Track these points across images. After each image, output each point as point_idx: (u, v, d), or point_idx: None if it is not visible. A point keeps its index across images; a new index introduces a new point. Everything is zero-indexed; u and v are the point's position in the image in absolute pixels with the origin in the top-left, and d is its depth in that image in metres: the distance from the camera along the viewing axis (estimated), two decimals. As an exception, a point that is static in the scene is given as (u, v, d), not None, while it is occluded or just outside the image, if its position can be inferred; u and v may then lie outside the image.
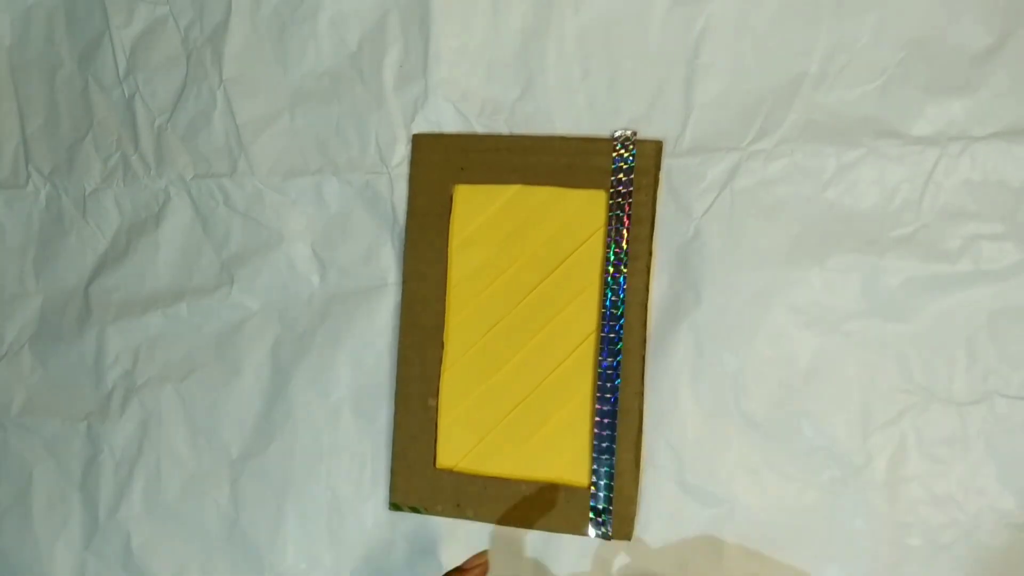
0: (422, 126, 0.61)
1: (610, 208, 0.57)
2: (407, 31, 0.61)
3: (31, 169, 0.69)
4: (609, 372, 0.57)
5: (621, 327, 0.57)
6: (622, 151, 0.57)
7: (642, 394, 0.57)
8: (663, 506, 0.57)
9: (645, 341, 0.57)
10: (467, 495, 0.59)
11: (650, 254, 0.57)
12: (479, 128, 0.60)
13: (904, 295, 0.54)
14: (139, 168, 0.66)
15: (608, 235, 0.57)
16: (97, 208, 0.67)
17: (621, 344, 0.57)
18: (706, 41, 0.56)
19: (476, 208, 0.60)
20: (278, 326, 0.64)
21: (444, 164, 0.60)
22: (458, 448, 0.60)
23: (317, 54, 0.62)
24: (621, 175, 0.57)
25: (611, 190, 0.57)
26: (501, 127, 0.60)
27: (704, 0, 0.56)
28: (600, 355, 0.57)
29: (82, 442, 0.68)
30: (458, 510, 0.59)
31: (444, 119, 0.61)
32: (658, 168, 0.57)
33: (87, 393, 0.68)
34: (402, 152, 0.61)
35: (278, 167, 0.64)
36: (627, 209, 0.57)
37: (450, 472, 0.60)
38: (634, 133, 0.57)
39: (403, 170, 0.61)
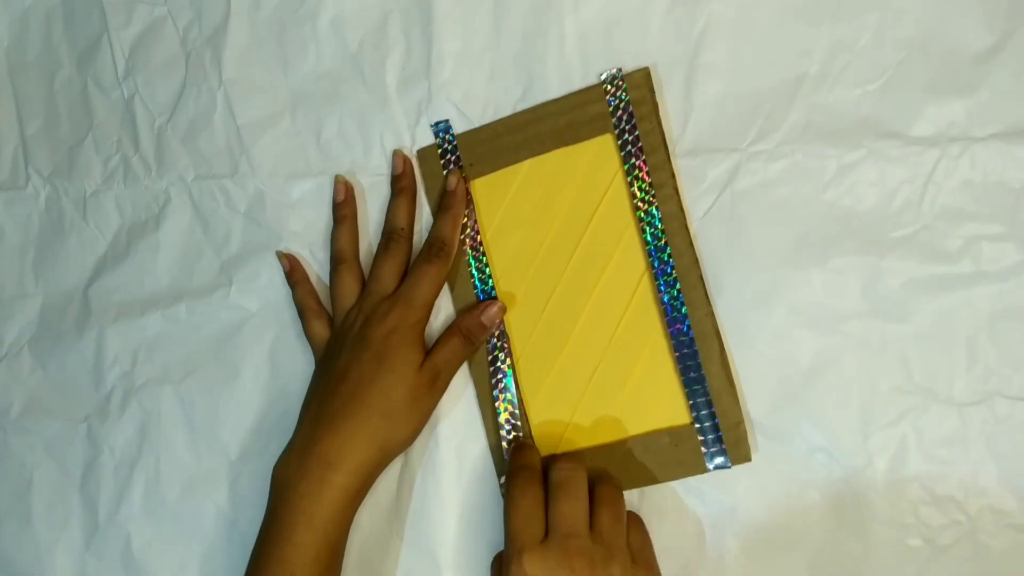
0: (426, 128, 0.61)
1: (621, 147, 0.57)
2: (409, 33, 0.61)
3: (31, 171, 0.69)
4: (673, 303, 0.56)
5: (670, 255, 0.56)
6: (613, 91, 0.57)
7: (713, 314, 0.56)
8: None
9: (698, 262, 0.56)
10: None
11: (673, 176, 0.56)
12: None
13: (904, 296, 0.54)
14: (139, 169, 0.66)
15: (627, 174, 0.57)
16: (97, 210, 0.67)
17: (675, 272, 0.56)
18: (706, 42, 0.56)
19: (496, 196, 0.60)
20: (277, 328, 0.64)
21: (454, 165, 0.60)
22: (553, 432, 0.59)
23: (318, 55, 0.62)
24: (620, 112, 0.57)
25: (616, 130, 0.57)
26: (502, 128, 0.60)
27: (704, 1, 0.56)
28: (659, 291, 0.57)
29: (82, 443, 0.68)
30: None
31: (447, 121, 0.61)
32: (652, 92, 0.57)
33: (87, 394, 0.68)
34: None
35: (280, 169, 0.64)
36: (637, 143, 0.57)
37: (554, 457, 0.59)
38: (619, 70, 0.57)
39: (404, 171, 0.61)
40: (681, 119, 0.57)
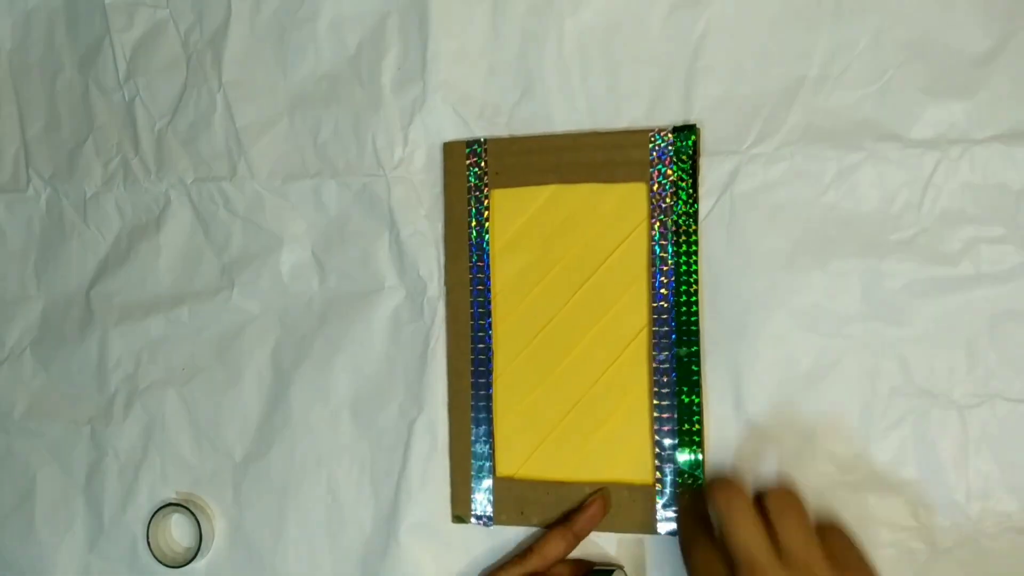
0: (420, 129, 0.61)
1: (651, 200, 0.57)
2: (406, 33, 0.61)
3: (32, 173, 0.69)
4: (664, 366, 0.56)
5: (674, 319, 0.56)
6: (659, 142, 0.56)
7: (701, 387, 0.56)
8: (663, 510, 0.57)
9: (699, 332, 0.56)
10: (530, 502, 0.58)
11: (697, 243, 0.56)
12: (478, 131, 0.60)
13: (905, 298, 0.53)
14: (139, 172, 0.66)
15: (651, 227, 0.57)
16: (98, 212, 0.67)
17: (675, 337, 0.56)
18: (706, 44, 0.56)
19: (514, 211, 0.59)
20: (279, 330, 0.64)
21: (478, 168, 0.60)
22: (517, 455, 0.59)
23: (316, 57, 0.62)
24: (660, 166, 0.56)
25: (651, 182, 0.57)
26: (501, 130, 0.60)
27: (704, 3, 0.55)
28: (653, 350, 0.57)
29: (86, 446, 0.68)
30: (523, 518, 0.59)
31: (443, 122, 0.60)
32: (697, 154, 0.56)
33: (90, 397, 0.68)
34: (400, 154, 0.61)
35: (278, 170, 0.64)
36: (670, 200, 0.56)
37: (511, 480, 0.59)
38: (672, 125, 0.56)
39: (400, 173, 0.61)
40: (680, 122, 0.57)
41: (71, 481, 0.68)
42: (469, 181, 0.60)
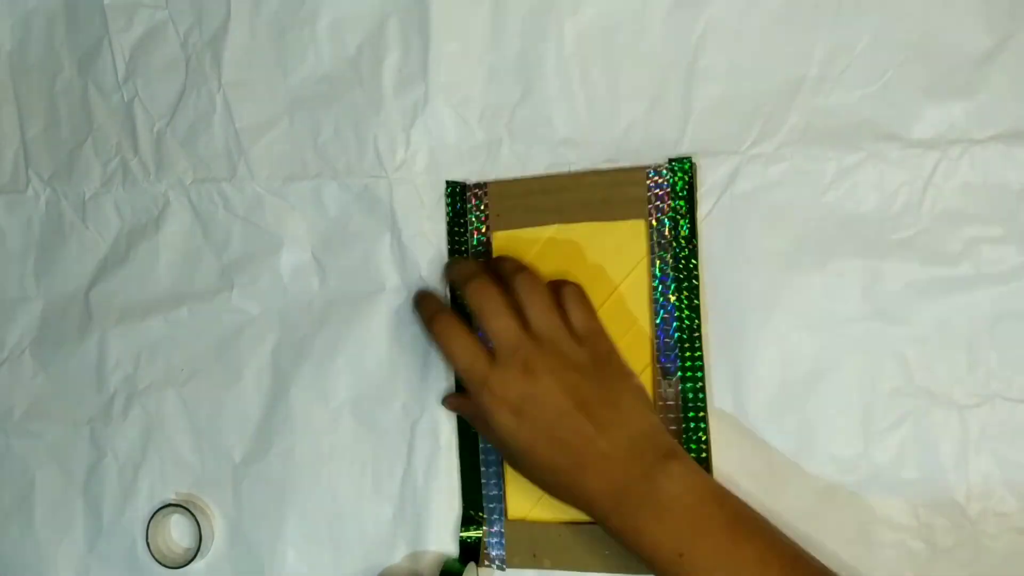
0: (422, 131, 0.61)
1: (651, 236, 0.57)
2: (406, 35, 0.61)
3: (31, 174, 0.69)
4: (670, 403, 0.56)
5: (677, 356, 0.56)
6: (656, 178, 0.57)
7: (707, 425, 0.56)
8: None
9: (703, 368, 0.56)
10: (541, 544, 0.58)
11: (697, 275, 0.56)
12: (479, 133, 0.60)
13: (905, 298, 0.53)
14: (139, 173, 0.66)
15: (652, 264, 0.57)
16: (97, 213, 0.67)
17: (679, 373, 0.56)
18: (705, 45, 0.56)
19: (516, 253, 0.59)
20: (279, 330, 0.64)
21: (479, 211, 0.60)
22: (527, 497, 0.59)
23: (316, 58, 0.62)
24: (658, 202, 0.57)
25: (650, 218, 0.57)
26: (501, 131, 0.60)
27: (703, 4, 0.55)
28: (658, 387, 0.57)
29: (85, 447, 0.68)
30: (535, 560, 0.59)
31: (445, 123, 0.60)
32: (694, 188, 0.56)
33: (89, 398, 0.68)
34: (401, 156, 0.61)
35: (278, 171, 0.64)
36: (669, 235, 0.56)
37: (522, 522, 0.59)
38: (669, 161, 0.57)
39: (402, 174, 0.61)
40: (680, 122, 0.57)
41: (70, 482, 0.68)
42: (471, 224, 0.60)
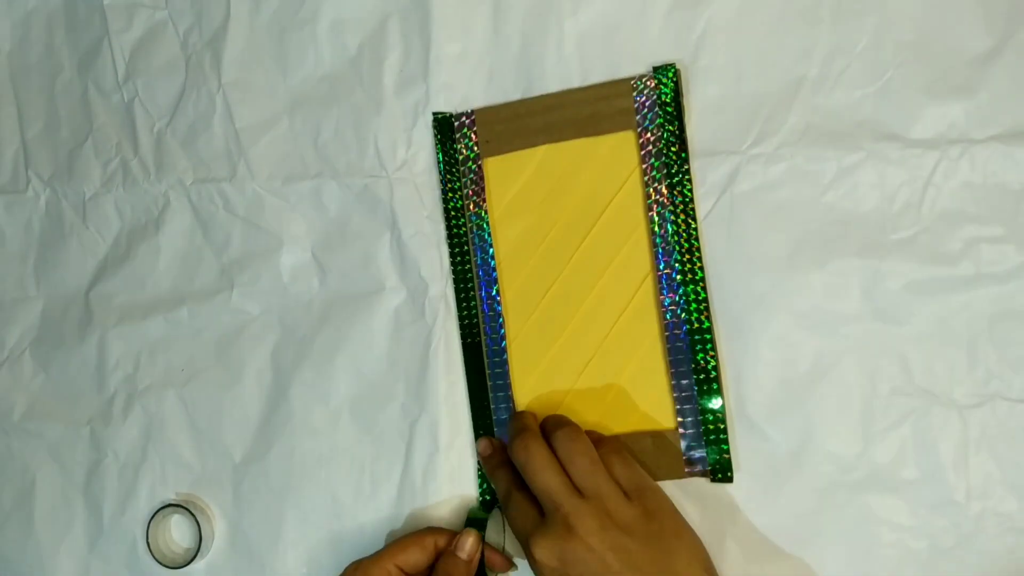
0: (423, 131, 0.61)
1: (641, 146, 0.57)
2: (407, 35, 0.61)
3: (31, 174, 0.69)
4: (674, 308, 0.56)
5: (676, 261, 0.56)
6: (642, 87, 0.56)
7: (712, 324, 0.56)
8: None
9: (703, 270, 0.56)
10: None
11: (690, 181, 0.56)
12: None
13: (905, 298, 0.53)
14: (139, 173, 0.66)
15: (644, 173, 0.57)
16: (97, 213, 0.67)
17: (679, 278, 0.56)
18: (705, 45, 0.56)
19: (509, 178, 0.59)
20: (278, 330, 0.64)
21: (467, 140, 0.60)
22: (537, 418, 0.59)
23: (317, 58, 0.62)
24: (646, 111, 0.56)
25: (639, 128, 0.57)
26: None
27: (703, 4, 0.56)
28: (661, 294, 0.56)
29: (85, 447, 0.68)
30: None
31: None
32: (680, 95, 0.56)
33: (89, 398, 0.68)
34: (402, 156, 0.61)
35: (277, 171, 0.64)
36: (658, 143, 0.56)
37: None
38: (651, 68, 0.56)
39: (403, 174, 0.61)
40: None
41: (71, 482, 0.68)
42: (461, 153, 0.60)
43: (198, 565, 0.65)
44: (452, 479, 0.61)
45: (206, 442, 0.66)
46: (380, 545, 0.61)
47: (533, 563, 0.51)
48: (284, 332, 0.64)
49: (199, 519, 0.63)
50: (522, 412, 0.59)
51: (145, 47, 0.66)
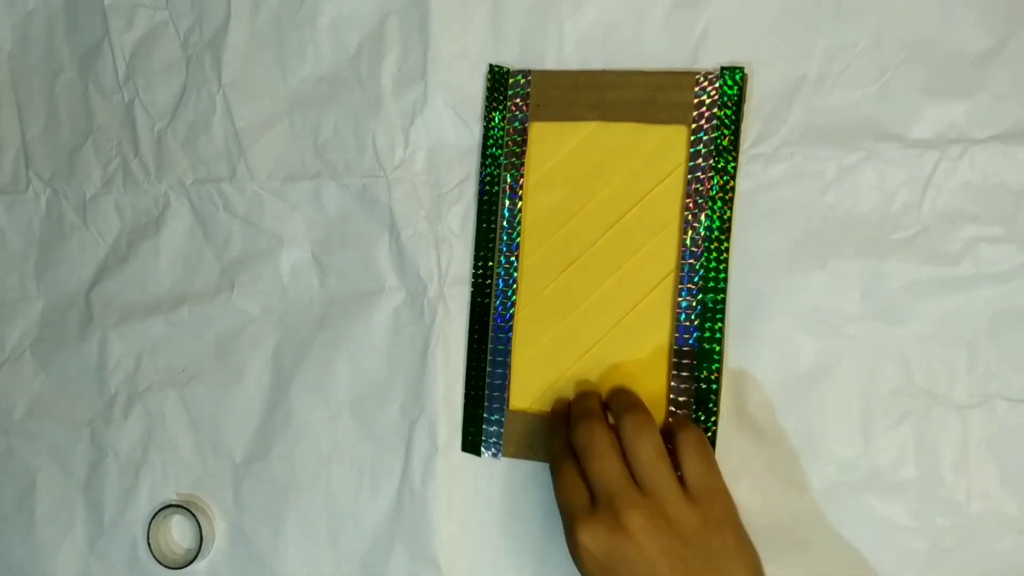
0: (421, 130, 0.61)
1: (692, 144, 0.56)
2: (406, 35, 0.61)
3: (31, 175, 0.69)
4: (689, 313, 0.56)
5: (701, 267, 0.55)
6: (705, 84, 0.56)
7: (723, 337, 0.55)
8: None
9: (726, 281, 0.55)
10: (540, 436, 0.58)
11: (733, 189, 0.55)
12: (479, 133, 0.60)
13: (905, 298, 0.53)
14: (139, 173, 0.66)
15: (689, 172, 0.56)
16: (97, 213, 0.67)
17: (701, 283, 0.55)
18: (705, 44, 0.56)
19: (552, 146, 0.58)
20: (279, 331, 0.64)
21: (519, 99, 0.59)
22: (531, 389, 0.59)
23: (316, 58, 0.62)
24: (704, 109, 0.55)
25: (693, 125, 0.56)
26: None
27: (703, 4, 0.55)
28: (678, 295, 0.56)
29: (86, 447, 0.68)
30: (531, 452, 0.58)
31: (444, 123, 0.60)
32: (743, 100, 0.55)
33: (90, 398, 0.68)
34: (400, 156, 0.61)
35: (277, 172, 0.64)
36: (710, 144, 0.55)
37: (524, 413, 0.59)
38: (720, 68, 0.56)
39: (401, 174, 0.61)
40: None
41: (71, 482, 0.68)
42: (509, 111, 0.59)
43: (199, 565, 0.65)
44: (451, 479, 0.61)
45: (207, 442, 0.66)
46: (380, 545, 0.61)
47: (575, 546, 0.48)
48: (284, 332, 0.64)
49: (200, 519, 0.63)
50: (587, 393, 0.56)
51: (145, 47, 0.66)
